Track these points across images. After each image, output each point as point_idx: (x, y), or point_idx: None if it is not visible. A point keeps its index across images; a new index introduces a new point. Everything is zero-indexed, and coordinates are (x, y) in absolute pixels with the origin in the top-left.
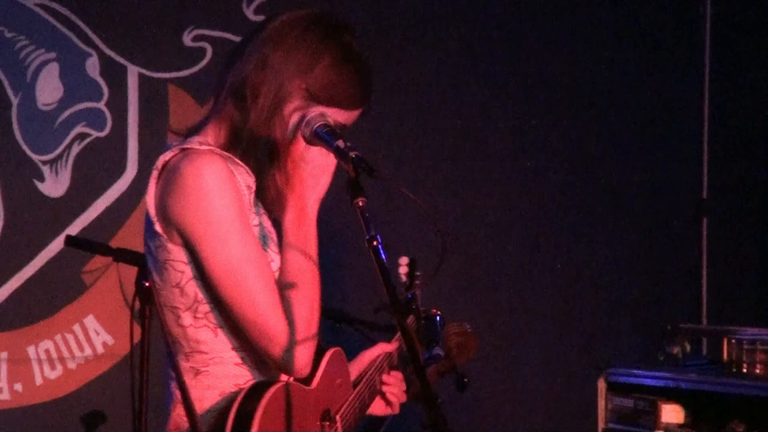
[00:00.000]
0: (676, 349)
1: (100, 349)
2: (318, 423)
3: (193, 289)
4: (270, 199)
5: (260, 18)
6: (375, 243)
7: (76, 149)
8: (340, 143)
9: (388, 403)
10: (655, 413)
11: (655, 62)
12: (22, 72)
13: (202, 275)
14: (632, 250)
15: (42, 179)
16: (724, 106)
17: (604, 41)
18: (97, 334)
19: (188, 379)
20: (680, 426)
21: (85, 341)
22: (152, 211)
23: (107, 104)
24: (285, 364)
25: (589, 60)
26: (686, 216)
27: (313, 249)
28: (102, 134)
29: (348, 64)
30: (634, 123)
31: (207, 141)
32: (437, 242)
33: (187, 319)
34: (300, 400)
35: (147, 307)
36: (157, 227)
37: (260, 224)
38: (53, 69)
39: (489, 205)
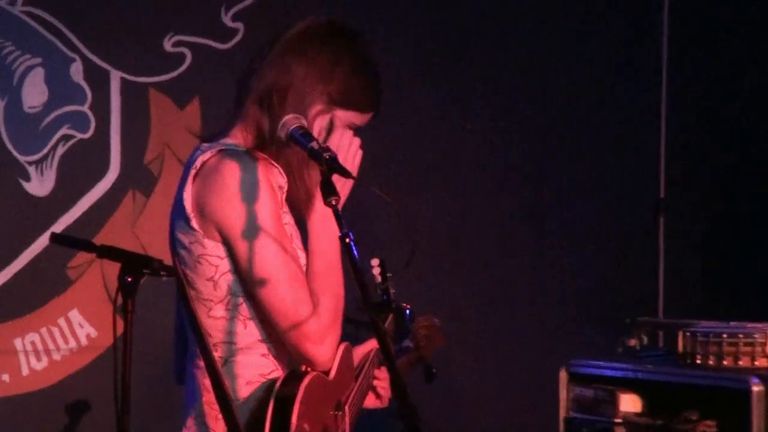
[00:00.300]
0: (634, 342)
1: (84, 342)
2: (332, 413)
3: (227, 282)
4: (298, 199)
5: (238, 25)
6: (348, 240)
7: (60, 150)
8: (314, 145)
9: (378, 396)
10: (614, 402)
11: (614, 66)
12: (8, 76)
13: (237, 269)
14: (593, 248)
15: (28, 179)
16: (681, 108)
17: (564, 44)
18: (81, 327)
19: None
20: (638, 415)
21: (69, 334)
22: (189, 208)
23: (91, 107)
24: (312, 357)
25: (550, 64)
26: (644, 214)
27: (337, 248)
28: (86, 136)
29: (364, 70)
30: (595, 125)
31: (239, 143)
32: (408, 241)
33: (218, 311)
34: (323, 390)
35: (129, 301)
36: (194, 223)
37: (290, 223)
38: (39, 73)
39: (457, 206)
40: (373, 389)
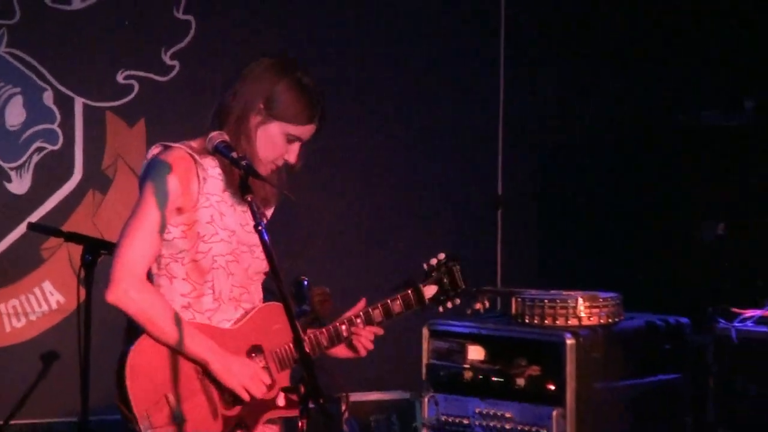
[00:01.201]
0: (479, 306)
1: (54, 306)
2: (244, 354)
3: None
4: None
5: (175, 62)
6: (260, 228)
7: (36, 158)
8: (234, 155)
9: (353, 348)
10: (463, 352)
11: (456, 80)
12: None
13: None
14: (447, 233)
15: (10, 181)
16: (516, 121)
17: (415, 61)
18: (52, 294)
19: None
20: (481, 362)
21: (43, 300)
22: (138, 189)
23: (59, 125)
24: (107, 299)
25: (400, 75)
26: (486, 207)
27: (183, 345)
28: (55, 148)
29: (296, 90)
30: (446, 135)
31: (190, 145)
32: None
33: (155, 268)
34: (215, 339)
35: (89, 274)
36: None
37: (215, 207)
38: (18, 100)
39: (339, 202)
40: (350, 342)
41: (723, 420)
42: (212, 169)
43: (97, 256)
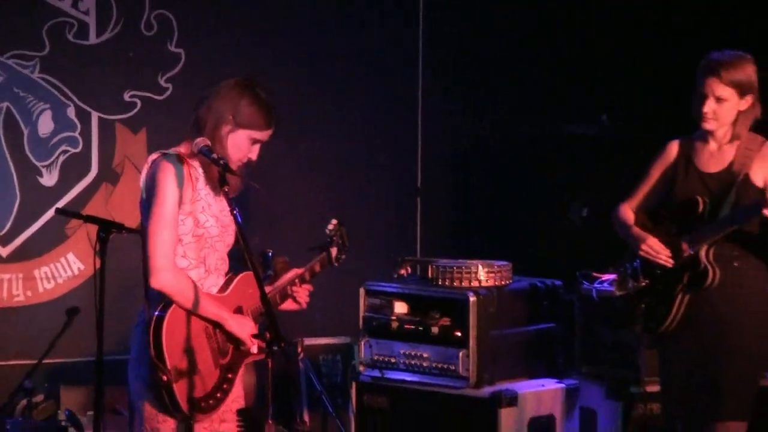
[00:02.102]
0: (403, 271)
1: (76, 272)
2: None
3: None
4: (213, 181)
5: (168, 85)
6: (235, 212)
7: (61, 159)
8: (215, 156)
9: (296, 302)
10: (391, 307)
11: (385, 97)
12: (29, 115)
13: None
14: (377, 216)
15: (41, 176)
16: (432, 126)
17: (352, 70)
18: (74, 263)
19: None
20: (405, 314)
21: (67, 267)
22: (142, 185)
23: (80, 134)
24: (152, 286)
25: (341, 92)
26: (409, 196)
27: (205, 311)
28: (77, 151)
29: (256, 104)
30: (376, 137)
31: (180, 151)
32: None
33: None
34: (212, 301)
35: (103, 248)
36: (143, 195)
37: (204, 198)
38: (48, 113)
39: (300, 191)
40: (294, 297)
41: (586, 359)
42: (199, 168)
43: (109, 233)
